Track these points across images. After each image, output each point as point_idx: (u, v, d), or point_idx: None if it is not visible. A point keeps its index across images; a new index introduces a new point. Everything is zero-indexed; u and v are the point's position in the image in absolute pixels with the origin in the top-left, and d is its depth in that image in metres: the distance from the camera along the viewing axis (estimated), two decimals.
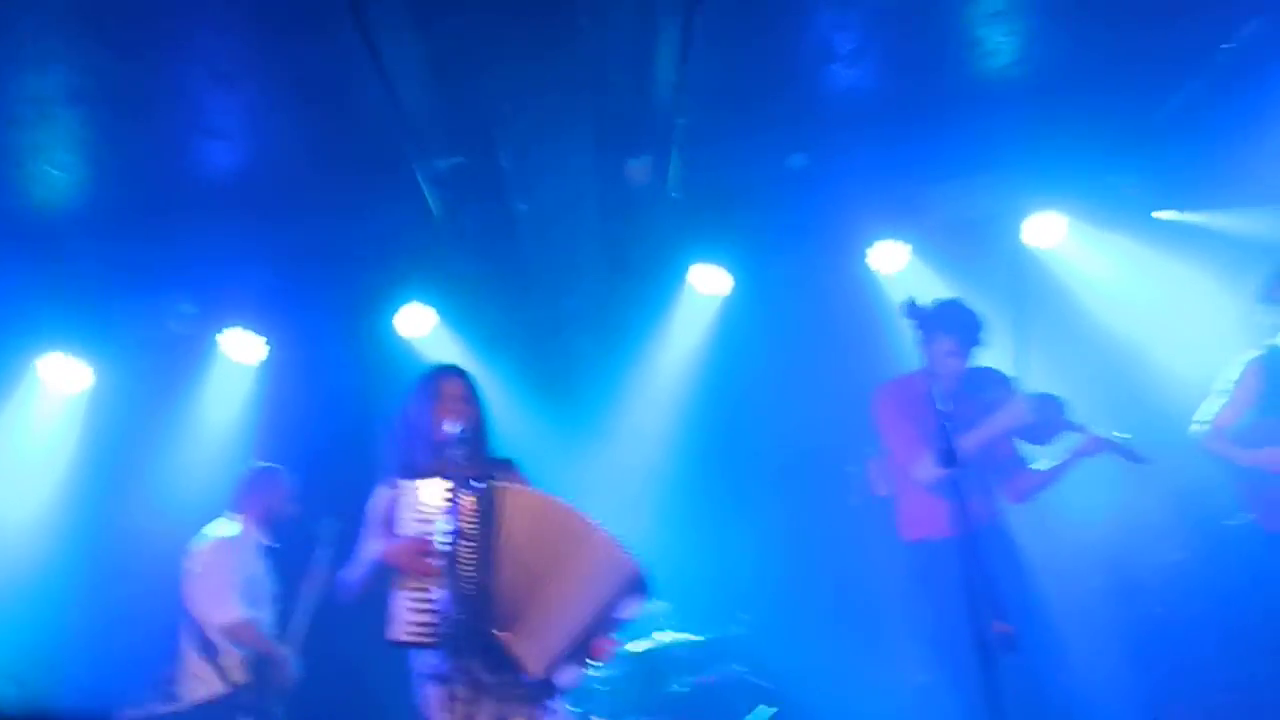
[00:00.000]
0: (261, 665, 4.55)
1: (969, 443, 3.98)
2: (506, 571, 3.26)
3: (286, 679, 4.65)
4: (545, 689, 3.28)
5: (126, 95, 4.14)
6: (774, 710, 4.95)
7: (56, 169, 4.53)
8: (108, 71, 3.97)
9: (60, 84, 4.01)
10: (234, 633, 4.47)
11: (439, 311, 5.97)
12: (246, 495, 4.79)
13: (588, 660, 3.32)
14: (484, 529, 3.27)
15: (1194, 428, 4.62)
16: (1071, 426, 4.28)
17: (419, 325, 5.95)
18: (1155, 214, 5.86)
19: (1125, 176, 5.72)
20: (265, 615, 4.66)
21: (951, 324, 4.26)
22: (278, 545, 4.79)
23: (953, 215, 5.92)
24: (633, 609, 3.35)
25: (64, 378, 5.67)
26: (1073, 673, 4.27)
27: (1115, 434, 4.26)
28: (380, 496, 3.56)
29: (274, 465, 4.89)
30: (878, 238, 5.90)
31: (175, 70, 4.07)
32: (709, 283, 5.99)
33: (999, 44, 4.76)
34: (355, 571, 3.47)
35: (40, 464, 5.69)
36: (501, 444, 3.79)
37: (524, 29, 3.93)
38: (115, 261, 5.36)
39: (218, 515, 5.16)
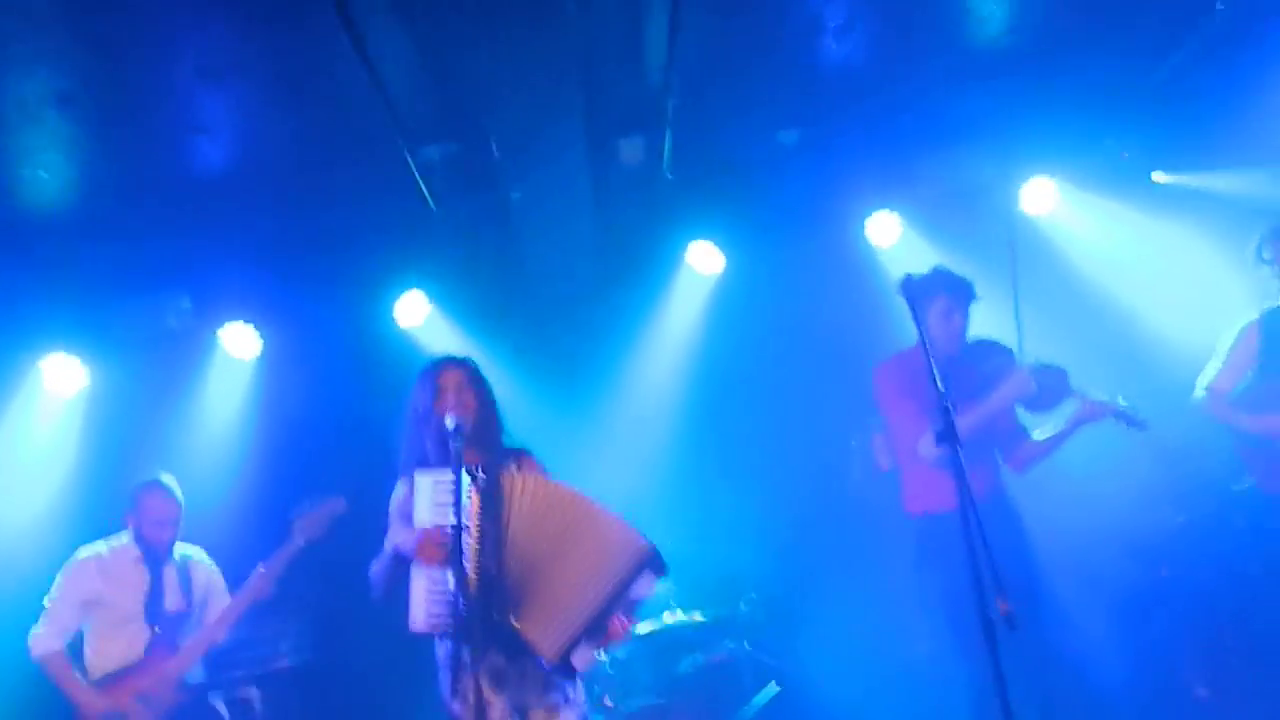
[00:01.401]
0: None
1: (971, 418, 3.98)
2: (517, 558, 3.31)
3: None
4: (563, 673, 3.32)
5: (112, 95, 4.11)
6: (779, 689, 4.98)
7: (46, 171, 4.51)
8: (92, 72, 3.94)
9: (45, 86, 3.98)
10: (42, 664, 4.39)
11: (434, 299, 5.95)
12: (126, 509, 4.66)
13: (604, 641, 3.36)
14: (492, 518, 3.31)
15: (1197, 393, 4.62)
16: (1073, 394, 4.29)
17: (415, 314, 5.94)
18: (1155, 176, 5.82)
19: (1121, 140, 5.70)
20: (125, 638, 4.43)
21: (942, 285, 4.29)
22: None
23: (946, 185, 5.89)
24: (647, 587, 3.38)
25: (64, 378, 5.67)
26: (1077, 640, 4.30)
27: (1116, 400, 4.28)
28: (398, 491, 3.61)
29: (152, 480, 4.65)
30: (872, 210, 5.88)
31: (160, 68, 4.03)
32: (705, 261, 5.98)
33: (990, 12, 4.74)
34: (379, 565, 3.52)
35: (42, 466, 5.69)
36: (510, 430, 3.81)
37: (509, 13, 3.90)
38: (110, 261, 5.34)
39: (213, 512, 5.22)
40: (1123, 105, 5.53)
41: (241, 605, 4.52)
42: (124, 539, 4.59)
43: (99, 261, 5.36)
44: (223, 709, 4.66)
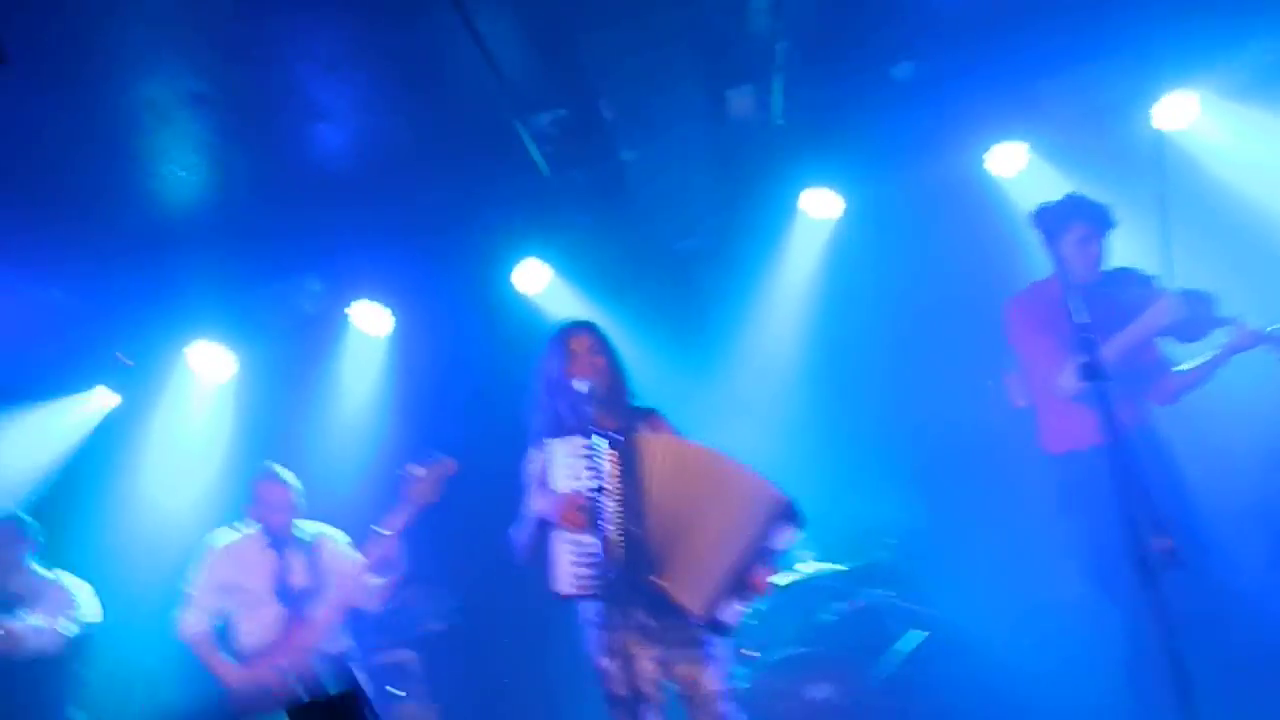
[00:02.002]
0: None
1: (1112, 350, 3.81)
2: (656, 518, 3.35)
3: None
4: (711, 627, 3.36)
5: (240, 93, 4.28)
6: (925, 634, 4.93)
7: (183, 170, 4.73)
8: (220, 72, 4.11)
9: (176, 88, 4.17)
10: (190, 646, 4.66)
11: (554, 265, 6.03)
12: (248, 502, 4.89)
13: (748, 594, 3.38)
14: (628, 480, 3.36)
15: None
16: (1222, 321, 4.06)
17: (536, 281, 6.02)
18: None
19: (1271, 43, 5.30)
20: (263, 618, 4.65)
21: (1078, 211, 4.09)
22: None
23: (1074, 107, 5.59)
24: (786, 538, 3.40)
25: (212, 365, 5.97)
26: (1246, 581, 4.09)
27: (1269, 327, 4.02)
28: (533, 459, 3.69)
29: (264, 470, 4.87)
30: (994, 141, 5.65)
31: (284, 65, 4.19)
32: (821, 207, 5.87)
33: None
34: (521, 531, 3.62)
35: (196, 452, 6.03)
36: (637, 391, 3.85)
37: None
38: (245, 251, 5.59)
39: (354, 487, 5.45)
40: (1267, 7, 5.13)
41: (366, 568, 4.65)
42: (252, 527, 4.84)
43: (236, 252, 5.61)
44: (364, 677, 4.86)
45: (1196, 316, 4.04)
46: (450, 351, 6.06)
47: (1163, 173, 3.95)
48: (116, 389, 6.06)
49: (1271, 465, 4.95)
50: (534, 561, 3.58)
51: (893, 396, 5.74)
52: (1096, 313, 3.29)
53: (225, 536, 4.85)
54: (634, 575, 3.29)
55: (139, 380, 6.05)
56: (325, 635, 4.66)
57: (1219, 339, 4.09)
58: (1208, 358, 4.14)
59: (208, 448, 6.00)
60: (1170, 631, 2.56)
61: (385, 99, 4.63)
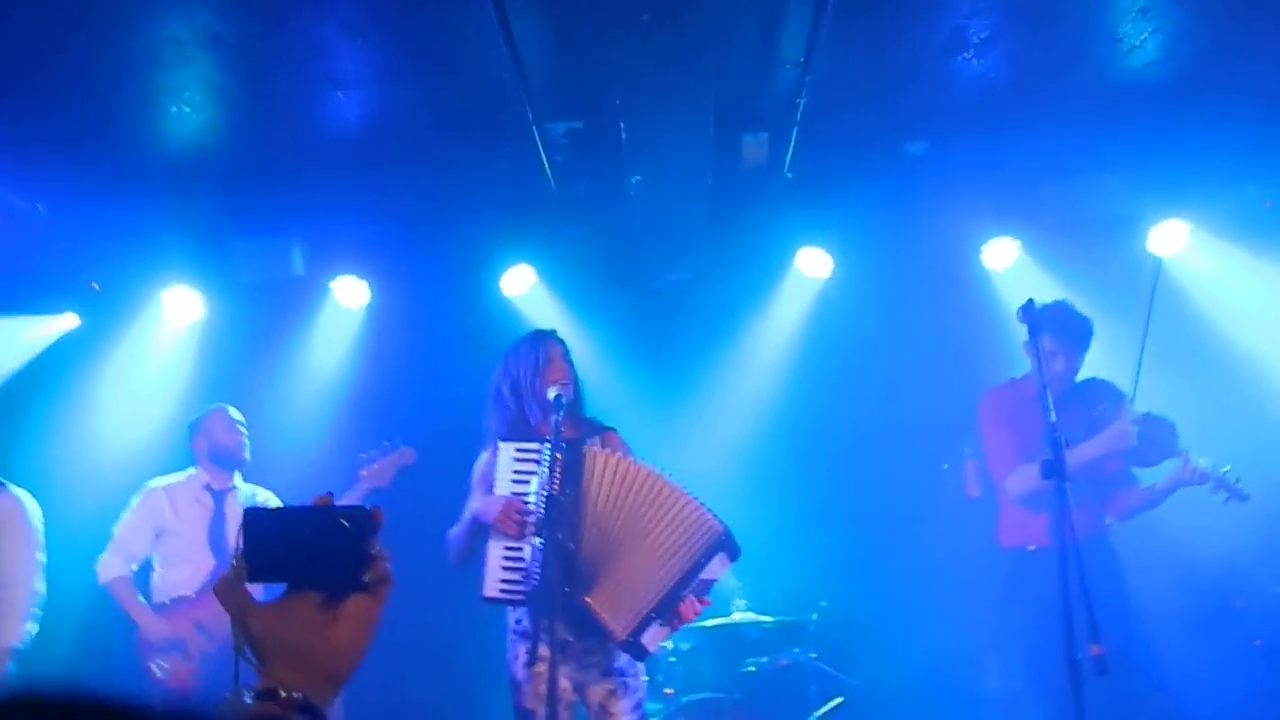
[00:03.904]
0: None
1: (1071, 460, 3.88)
2: (592, 533, 3.35)
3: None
4: (631, 651, 3.34)
5: (262, 43, 4.23)
6: (840, 701, 4.93)
7: (190, 108, 4.67)
8: (246, 20, 4.06)
9: (201, 28, 4.12)
10: (108, 589, 4.56)
11: (541, 272, 6.03)
12: (191, 443, 4.83)
13: (674, 622, 3.37)
14: (570, 491, 3.35)
15: None
16: (1177, 453, 4.13)
17: (519, 284, 6.02)
18: None
19: (1264, 189, 5.47)
20: (191, 567, 4.57)
21: (1060, 319, 4.17)
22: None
23: (1071, 215, 5.74)
24: (720, 569, 3.40)
25: (182, 310, 5.89)
26: (1165, 699, 4.15)
27: (1219, 468, 4.09)
28: (482, 458, 3.67)
29: (224, 406, 4.86)
30: (990, 232, 5.76)
31: (309, 22, 4.15)
32: (813, 265, 5.93)
33: (1142, 41, 4.57)
34: (458, 531, 3.59)
35: (156, 389, 5.93)
36: (597, 409, 3.86)
37: (652, 2, 3.90)
38: (237, 202, 5.52)
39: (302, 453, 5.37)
40: (1270, 153, 5.29)
41: None
42: (192, 471, 4.75)
43: (227, 201, 5.54)
44: None
45: (1155, 443, 4.12)
46: (423, 338, 6.03)
47: (1153, 296, 4.02)
48: (82, 315, 5.94)
49: (1205, 592, 5.05)
50: (466, 562, 3.55)
51: (852, 462, 5.78)
52: (1064, 418, 3.34)
53: (163, 479, 4.76)
54: (562, 588, 3.27)
55: (106, 310, 5.94)
56: None
57: (1172, 468, 4.15)
58: (1159, 485, 4.20)
59: (164, 389, 5.90)
60: None
61: (404, 76, 4.60)
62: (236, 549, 1.15)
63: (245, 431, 4.84)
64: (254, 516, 1.18)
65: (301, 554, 1.15)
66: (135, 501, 4.70)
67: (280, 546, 1.16)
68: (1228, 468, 4.07)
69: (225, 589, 1.17)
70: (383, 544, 1.18)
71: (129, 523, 4.65)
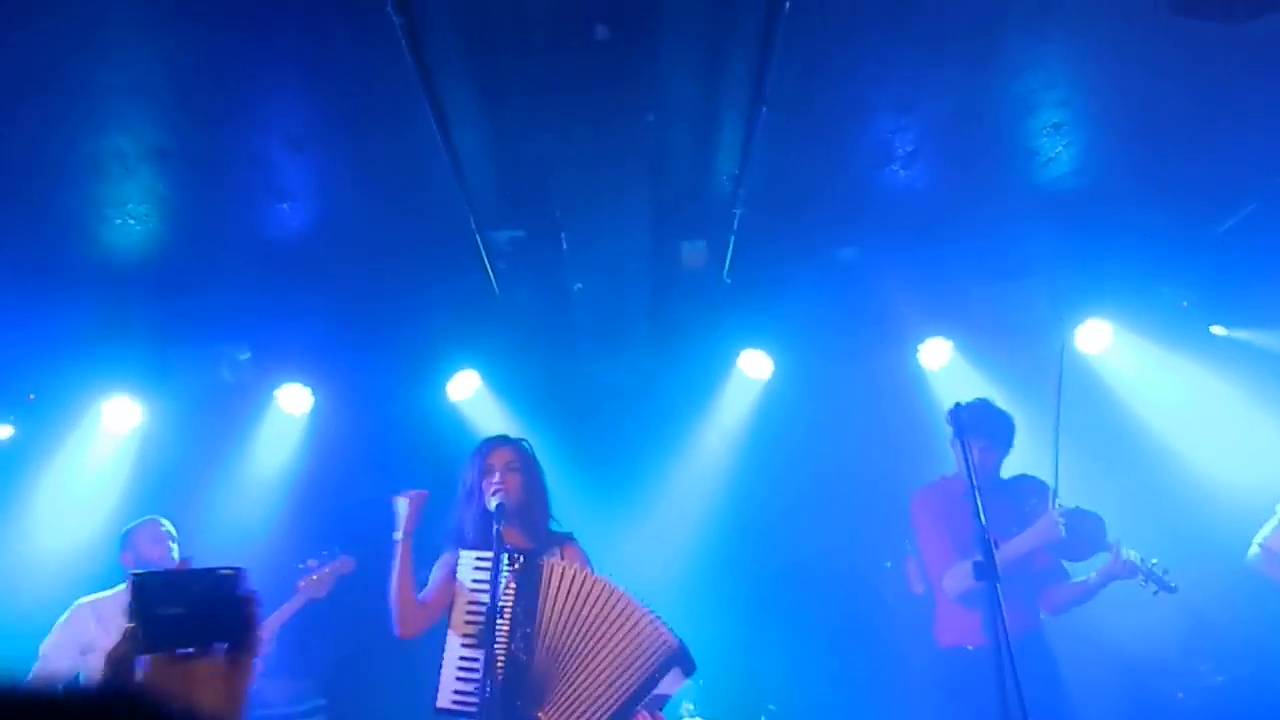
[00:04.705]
0: None
1: (1003, 555, 3.95)
2: (546, 644, 3.33)
3: None
4: None
5: (203, 155, 4.30)
6: None
7: (134, 220, 4.70)
8: (187, 133, 4.14)
9: (144, 142, 4.18)
10: None
11: (486, 377, 6.06)
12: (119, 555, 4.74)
13: None
14: (525, 602, 3.33)
15: (1251, 551, 4.55)
16: (1105, 547, 4.21)
17: (463, 388, 6.04)
18: (1214, 329, 5.82)
19: (1179, 289, 5.73)
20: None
21: (984, 420, 4.27)
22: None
23: (1000, 316, 5.94)
24: (674, 684, 3.38)
25: (120, 418, 5.82)
26: None
27: (1147, 561, 4.17)
28: (445, 561, 3.65)
29: (155, 518, 4.76)
30: (923, 333, 5.94)
31: (252, 135, 4.24)
32: (755, 367, 6.04)
33: (1056, 154, 4.82)
34: (413, 610, 3.52)
35: (94, 495, 5.81)
36: (554, 514, 3.84)
37: (592, 118, 4.04)
38: (178, 310, 5.52)
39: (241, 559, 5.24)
40: (1184, 255, 5.57)
41: None
42: (120, 587, 4.64)
43: (169, 308, 5.53)
44: None
45: (1084, 537, 4.20)
46: (367, 444, 5.99)
47: (1060, 397, 4.16)
48: (17, 425, 5.84)
49: (1140, 685, 5.10)
50: (409, 637, 3.51)
51: (798, 561, 5.81)
52: (994, 513, 3.42)
53: (91, 597, 4.64)
54: (514, 701, 3.23)
55: (43, 419, 5.85)
56: None
57: (1103, 562, 4.22)
58: (1091, 579, 4.26)
59: (101, 496, 5.79)
60: None
61: (347, 187, 4.69)
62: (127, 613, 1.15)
63: (175, 544, 4.73)
64: (142, 580, 1.18)
65: (193, 615, 1.15)
66: (62, 619, 4.56)
67: (171, 608, 1.16)
68: (1155, 560, 4.16)
69: (114, 662, 1.16)
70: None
71: (54, 641, 4.51)
